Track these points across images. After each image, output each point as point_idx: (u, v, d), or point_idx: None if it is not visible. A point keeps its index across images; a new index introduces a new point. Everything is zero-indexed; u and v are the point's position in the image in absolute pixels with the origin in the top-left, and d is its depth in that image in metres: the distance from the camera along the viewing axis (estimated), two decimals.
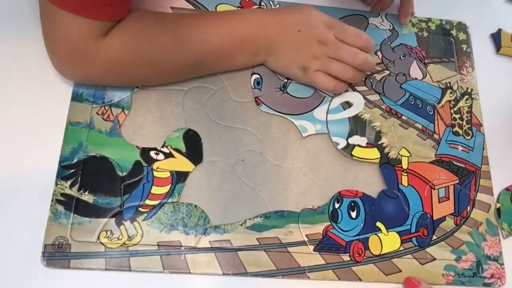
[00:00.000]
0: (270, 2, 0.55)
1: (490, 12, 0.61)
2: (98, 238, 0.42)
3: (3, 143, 0.45)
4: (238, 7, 0.54)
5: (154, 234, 0.43)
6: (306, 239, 0.45)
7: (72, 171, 0.44)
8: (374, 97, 0.52)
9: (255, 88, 0.50)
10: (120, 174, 0.45)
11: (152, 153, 0.46)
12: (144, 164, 0.45)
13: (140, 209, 0.44)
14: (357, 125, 0.50)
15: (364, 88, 0.52)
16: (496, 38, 0.58)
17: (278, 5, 0.54)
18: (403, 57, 0.55)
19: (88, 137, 0.46)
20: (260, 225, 0.45)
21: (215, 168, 0.47)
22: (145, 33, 0.44)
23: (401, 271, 0.45)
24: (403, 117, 0.52)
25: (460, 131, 0.52)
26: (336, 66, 0.47)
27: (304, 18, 0.48)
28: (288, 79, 0.51)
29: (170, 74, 0.47)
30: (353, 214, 0.47)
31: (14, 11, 0.50)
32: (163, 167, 0.46)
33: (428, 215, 0.48)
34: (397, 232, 0.47)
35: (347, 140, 0.49)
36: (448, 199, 0.49)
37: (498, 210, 0.49)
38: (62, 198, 0.43)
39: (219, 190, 0.46)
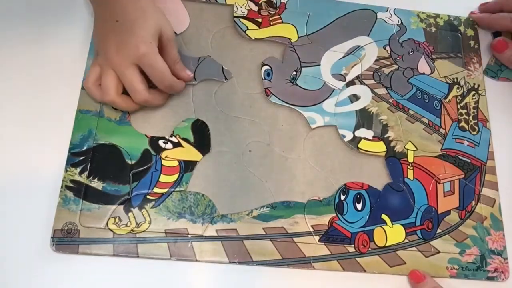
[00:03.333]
0: None
1: None
2: (107, 224, 0.43)
3: (15, 131, 0.46)
4: None
5: (161, 221, 0.44)
6: (311, 229, 0.45)
7: (81, 158, 0.45)
8: (382, 91, 0.52)
9: (265, 79, 0.51)
10: (129, 162, 0.45)
11: (160, 142, 0.47)
12: (152, 152, 0.46)
13: (148, 196, 0.44)
14: (364, 118, 0.51)
15: (372, 81, 0.53)
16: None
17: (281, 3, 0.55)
18: (411, 52, 0.55)
19: (97, 125, 0.46)
20: (266, 215, 0.45)
21: (223, 158, 0.47)
22: None
23: (405, 263, 0.46)
24: (410, 111, 0.52)
25: (466, 126, 0.52)
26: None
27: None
28: (297, 71, 0.51)
29: None
30: (359, 206, 0.47)
31: (26, 1, 0.51)
32: (171, 156, 0.46)
33: (433, 208, 0.48)
34: (402, 225, 0.47)
35: (353, 132, 0.50)
36: (453, 193, 0.49)
37: None
38: (71, 185, 0.44)
39: (226, 180, 0.46)
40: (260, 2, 0.54)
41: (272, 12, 0.54)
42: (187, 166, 0.46)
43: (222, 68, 0.50)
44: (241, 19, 0.53)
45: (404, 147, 0.50)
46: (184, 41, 0.51)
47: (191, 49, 0.51)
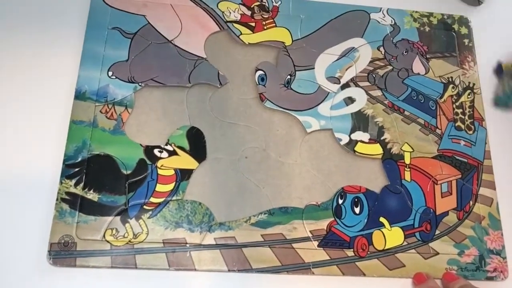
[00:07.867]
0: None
1: (490, 7, 0.60)
2: (104, 236, 0.42)
3: (8, 143, 0.45)
4: (240, 4, 0.53)
5: (159, 231, 0.43)
6: (310, 235, 0.45)
7: (76, 169, 0.44)
8: (377, 93, 0.52)
9: (259, 84, 0.50)
10: (125, 172, 0.45)
11: (156, 151, 0.46)
12: (148, 162, 0.46)
13: (145, 207, 0.44)
14: (360, 120, 0.50)
15: (367, 83, 0.52)
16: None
17: (279, 2, 0.54)
18: (405, 52, 0.55)
19: (91, 135, 0.46)
20: (264, 221, 0.45)
21: (219, 165, 0.47)
22: None
23: (404, 265, 0.45)
24: (406, 113, 0.52)
25: (462, 126, 0.52)
26: None
27: None
28: (291, 75, 0.51)
29: None
30: (357, 210, 0.47)
31: (16, 11, 0.50)
32: (167, 165, 0.46)
33: (431, 210, 0.48)
34: (401, 227, 0.47)
35: (349, 136, 0.50)
36: (451, 193, 0.49)
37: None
38: (67, 197, 0.43)
39: (223, 187, 0.46)
40: (252, 6, 0.54)
41: (266, 16, 0.53)
42: (183, 175, 0.46)
43: (218, 73, 0.50)
44: (234, 24, 0.52)
45: (401, 148, 0.50)
46: (177, 47, 0.51)
47: (184, 55, 0.50)
